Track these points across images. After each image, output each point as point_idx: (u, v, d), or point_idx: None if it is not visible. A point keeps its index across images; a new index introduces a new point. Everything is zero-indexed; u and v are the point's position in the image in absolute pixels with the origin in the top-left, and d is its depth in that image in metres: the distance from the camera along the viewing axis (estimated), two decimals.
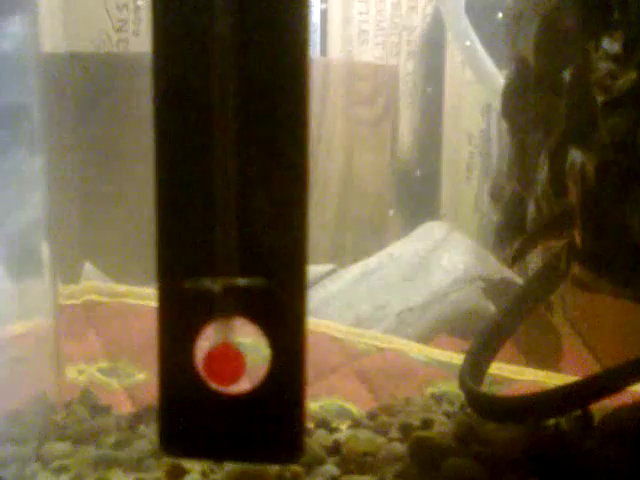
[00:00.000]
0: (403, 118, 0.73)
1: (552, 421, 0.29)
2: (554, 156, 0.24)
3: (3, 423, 0.32)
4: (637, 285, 0.24)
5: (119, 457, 0.28)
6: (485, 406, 0.29)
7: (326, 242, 0.59)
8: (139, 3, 0.65)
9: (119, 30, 0.63)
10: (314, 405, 0.38)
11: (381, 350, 0.43)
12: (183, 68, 0.19)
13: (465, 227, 0.75)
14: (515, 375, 0.44)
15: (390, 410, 0.35)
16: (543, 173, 0.25)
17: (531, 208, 0.25)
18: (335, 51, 0.75)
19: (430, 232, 0.55)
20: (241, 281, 0.19)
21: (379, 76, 0.64)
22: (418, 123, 0.76)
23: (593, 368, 0.45)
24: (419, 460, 0.25)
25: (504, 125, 0.28)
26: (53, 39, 0.55)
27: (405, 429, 0.29)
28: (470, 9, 0.65)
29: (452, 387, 0.40)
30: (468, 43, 0.41)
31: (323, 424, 0.32)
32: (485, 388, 0.34)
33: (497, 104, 0.40)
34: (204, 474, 0.26)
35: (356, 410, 0.38)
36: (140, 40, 0.64)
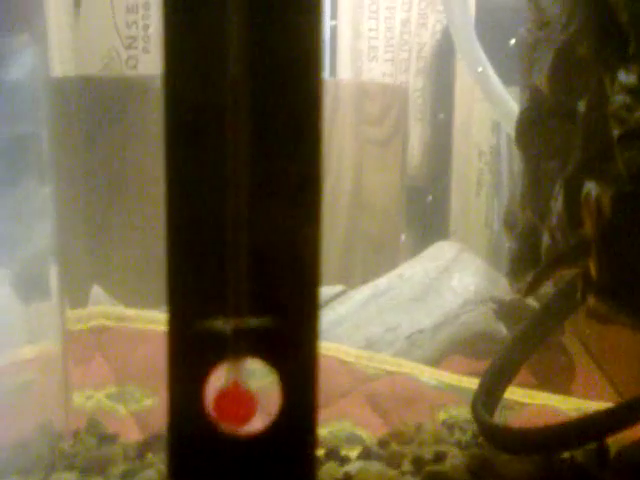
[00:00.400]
0: (413, 134, 0.73)
1: (567, 454, 0.28)
2: (569, 186, 0.24)
3: (9, 452, 0.32)
4: None
5: None
6: (499, 438, 0.29)
7: (335, 261, 0.58)
8: (148, 22, 0.65)
9: (129, 47, 0.63)
10: (323, 431, 0.38)
11: (391, 374, 0.42)
12: (195, 99, 0.19)
13: (475, 243, 0.75)
14: (526, 399, 0.43)
15: (401, 437, 0.35)
16: (558, 203, 0.24)
17: (545, 238, 0.25)
18: (345, 67, 0.75)
19: (441, 252, 0.54)
20: (252, 321, 0.18)
21: (388, 95, 0.64)
22: (428, 139, 0.76)
23: (606, 391, 0.45)
24: None
25: (514, 142, 0.28)
26: (63, 62, 0.55)
27: (417, 462, 0.29)
28: (480, 26, 0.65)
29: (463, 412, 0.39)
30: (480, 69, 0.41)
31: (333, 453, 0.32)
32: (496, 413, 0.34)
33: (510, 128, 0.40)
34: None
35: (366, 435, 0.37)
36: (150, 57, 0.64)
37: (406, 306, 0.49)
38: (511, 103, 0.39)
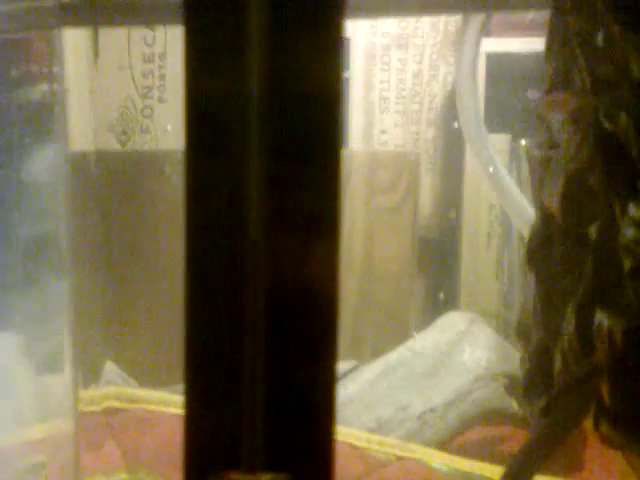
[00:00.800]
0: (423, 185, 0.73)
1: None
2: (581, 312, 0.24)
3: None
4: None
5: None
6: None
7: (346, 331, 0.58)
8: (164, 71, 0.66)
9: (144, 97, 0.64)
10: None
11: (402, 459, 0.42)
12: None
13: (485, 295, 0.75)
14: None
15: None
16: (570, 327, 0.24)
17: (557, 361, 0.25)
18: (357, 119, 0.76)
19: (452, 323, 0.54)
20: (266, 477, 0.19)
21: (400, 163, 0.64)
22: (438, 190, 0.76)
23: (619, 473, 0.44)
24: None
25: (526, 261, 0.28)
26: (82, 134, 0.56)
27: None
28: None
29: None
30: (491, 170, 0.41)
31: None
32: None
33: (523, 229, 0.40)
34: None
35: None
36: (165, 107, 0.65)
37: (417, 383, 0.49)
38: (524, 203, 0.39)
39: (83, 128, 0.55)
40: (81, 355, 0.45)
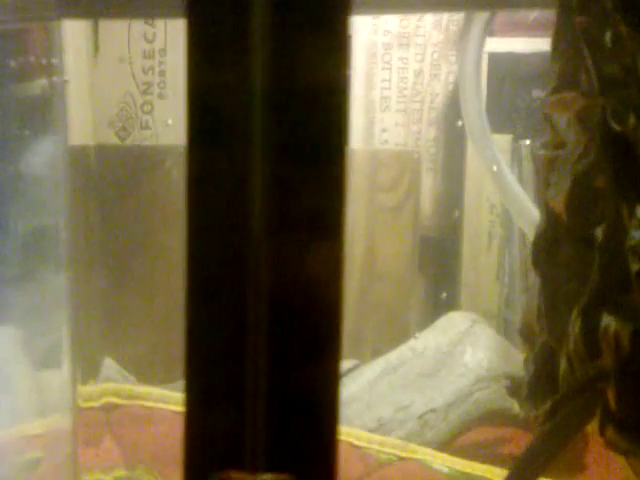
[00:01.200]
0: (424, 185, 0.73)
1: None
2: (587, 316, 0.24)
3: None
4: None
5: None
6: None
7: (347, 330, 0.58)
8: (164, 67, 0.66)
9: (144, 93, 0.64)
10: None
11: (403, 460, 0.42)
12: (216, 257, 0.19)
13: (486, 296, 0.75)
14: None
15: None
16: (575, 330, 0.24)
17: (563, 364, 0.25)
18: (357, 117, 0.76)
19: (453, 323, 0.54)
20: (268, 477, 0.18)
21: (401, 162, 0.64)
22: (439, 189, 0.76)
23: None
24: None
25: (531, 262, 0.28)
26: (81, 128, 0.56)
27: None
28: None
29: None
30: (495, 169, 0.41)
31: None
32: None
33: (527, 229, 0.40)
34: None
35: None
36: (165, 103, 0.65)
37: (418, 383, 0.49)
38: (527, 203, 0.39)
39: (83, 122, 0.55)
40: (80, 350, 0.45)
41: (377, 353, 0.55)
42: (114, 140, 0.58)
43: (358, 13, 0.52)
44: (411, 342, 0.53)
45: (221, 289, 0.18)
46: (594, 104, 0.24)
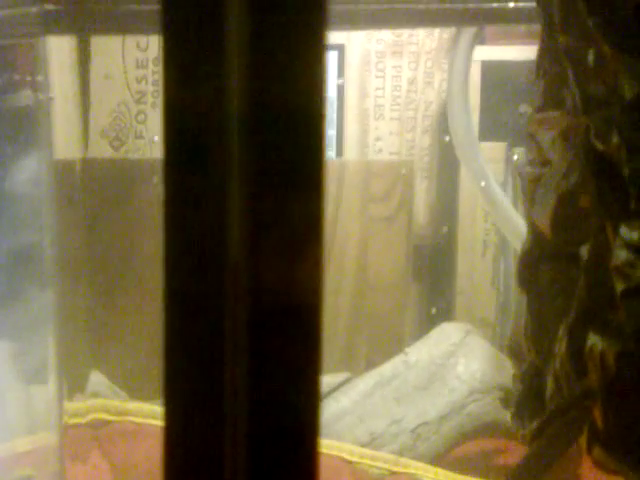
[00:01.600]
0: (419, 192, 0.73)
1: None
2: (573, 334, 0.24)
3: None
4: None
5: None
6: None
7: (339, 343, 0.58)
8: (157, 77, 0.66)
9: (138, 102, 0.64)
10: None
11: (394, 474, 0.42)
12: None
13: (480, 303, 0.75)
14: None
15: None
16: (561, 349, 0.24)
17: (549, 383, 0.25)
18: (351, 126, 0.76)
19: (446, 335, 0.54)
20: None
21: (394, 172, 0.64)
22: (434, 197, 0.76)
23: None
24: None
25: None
26: (68, 142, 0.56)
27: None
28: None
29: None
30: (483, 184, 0.40)
31: None
32: None
33: (515, 243, 0.40)
34: None
35: None
36: (158, 113, 0.65)
37: (411, 396, 0.48)
38: (516, 218, 0.39)
39: (69, 137, 0.54)
40: (66, 366, 0.44)
41: (370, 365, 0.54)
42: (108, 150, 0.58)
43: (348, 29, 0.52)
44: (403, 354, 0.52)
45: (199, 307, 0.18)
46: (578, 123, 0.23)
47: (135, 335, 0.51)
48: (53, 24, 0.35)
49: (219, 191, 0.18)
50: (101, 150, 0.60)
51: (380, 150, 0.71)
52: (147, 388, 0.46)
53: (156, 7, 0.19)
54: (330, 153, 0.68)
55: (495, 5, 0.40)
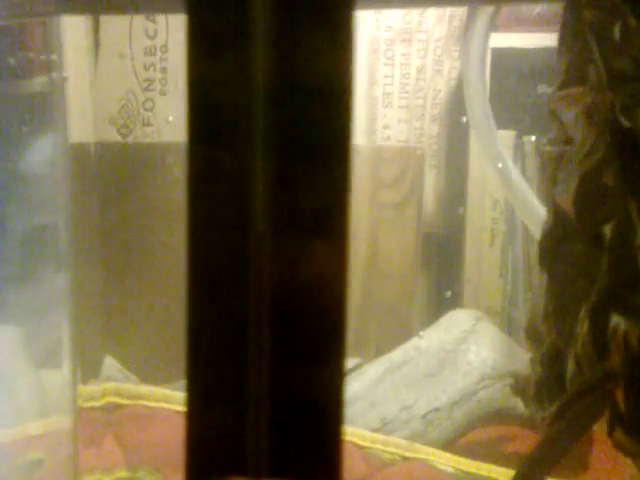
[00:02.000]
0: (427, 181, 0.73)
1: None
2: (595, 316, 0.23)
3: None
4: None
5: None
6: None
7: (350, 329, 0.58)
8: (165, 64, 0.65)
9: (146, 89, 0.64)
10: None
11: (407, 459, 0.41)
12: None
13: (489, 293, 0.74)
14: None
15: None
16: (583, 330, 0.24)
17: (570, 365, 0.24)
18: (360, 114, 0.75)
19: (457, 322, 0.54)
20: None
21: (404, 158, 0.64)
22: (442, 186, 0.75)
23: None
24: None
25: (538, 261, 0.27)
26: (81, 125, 0.55)
27: None
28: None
29: None
30: (500, 165, 0.40)
31: None
32: None
33: (533, 228, 0.39)
34: None
35: None
36: (166, 100, 0.64)
37: (422, 382, 0.48)
38: (533, 199, 0.39)
39: (83, 119, 0.54)
40: (80, 350, 0.44)
41: (380, 351, 0.54)
42: (116, 137, 0.58)
43: (362, 7, 0.51)
44: (415, 340, 0.52)
45: (222, 288, 0.18)
46: (603, 99, 0.23)
47: (148, 319, 0.50)
48: (67, 3, 0.35)
49: (244, 168, 0.18)
50: (110, 137, 0.60)
51: (388, 138, 0.70)
52: (160, 372, 0.46)
53: None
54: None
55: None
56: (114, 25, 0.59)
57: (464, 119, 0.63)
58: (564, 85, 0.25)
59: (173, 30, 0.60)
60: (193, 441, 0.18)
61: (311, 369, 0.18)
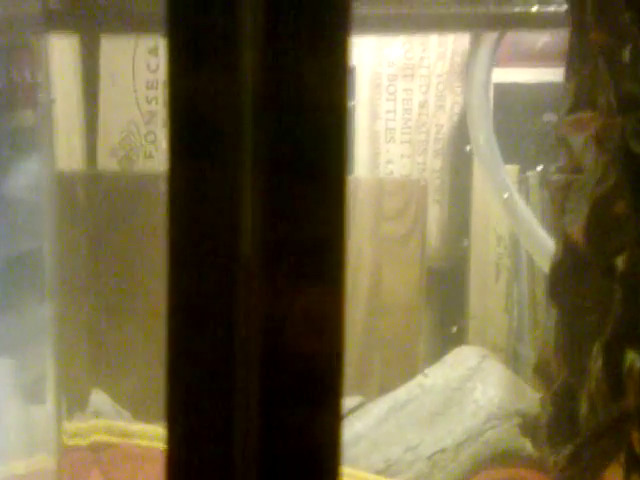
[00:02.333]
0: (431, 216, 0.72)
1: None
2: (609, 350, 0.22)
3: None
4: None
5: None
6: None
7: (352, 365, 0.56)
8: None
9: (148, 122, 0.63)
10: None
11: None
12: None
13: (494, 328, 0.73)
14: None
15: None
16: (597, 367, 0.22)
17: (584, 404, 0.23)
18: (362, 149, 0.75)
19: (462, 359, 0.52)
20: None
21: (407, 191, 0.63)
22: (446, 221, 0.74)
23: None
24: None
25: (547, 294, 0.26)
26: (72, 155, 0.55)
27: None
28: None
29: None
30: (506, 196, 0.39)
31: None
32: None
33: (540, 260, 0.38)
34: None
35: None
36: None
37: (427, 421, 0.46)
38: (539, 231, 0.37)
39: (74, 147, 0.54)
40: (66, 383, 0.43)
41: (384, 389, 0.53)
42: (115, 168, 0.57)
43: (362, 34, 0.51)
44: (419, 378, 0.51)
45: (206, 319, 0.17)
46: (613, 124, 0.22)
47: (140, 352, 0.49)
48: (55, 23, 0.34)
49: (229, 188, 0.17)
50: (109, 168, 0.59)
51: (391, 172, 0.70)
52: (153, 408, 0.45)
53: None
54: None
55: (517, 9, 0.39)
56: (116, 58, 0.59)
57: (468, 148, 0.62)
58: (573, 110, 0.24)
59: None
60: (174, 463, 0.17)
61: (304, 410, 0.17)
